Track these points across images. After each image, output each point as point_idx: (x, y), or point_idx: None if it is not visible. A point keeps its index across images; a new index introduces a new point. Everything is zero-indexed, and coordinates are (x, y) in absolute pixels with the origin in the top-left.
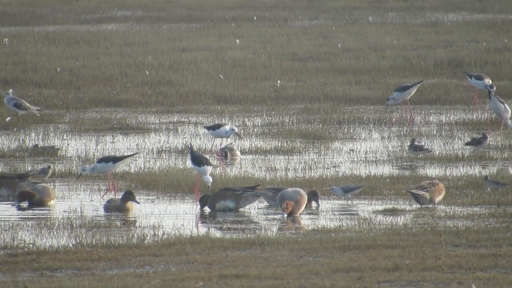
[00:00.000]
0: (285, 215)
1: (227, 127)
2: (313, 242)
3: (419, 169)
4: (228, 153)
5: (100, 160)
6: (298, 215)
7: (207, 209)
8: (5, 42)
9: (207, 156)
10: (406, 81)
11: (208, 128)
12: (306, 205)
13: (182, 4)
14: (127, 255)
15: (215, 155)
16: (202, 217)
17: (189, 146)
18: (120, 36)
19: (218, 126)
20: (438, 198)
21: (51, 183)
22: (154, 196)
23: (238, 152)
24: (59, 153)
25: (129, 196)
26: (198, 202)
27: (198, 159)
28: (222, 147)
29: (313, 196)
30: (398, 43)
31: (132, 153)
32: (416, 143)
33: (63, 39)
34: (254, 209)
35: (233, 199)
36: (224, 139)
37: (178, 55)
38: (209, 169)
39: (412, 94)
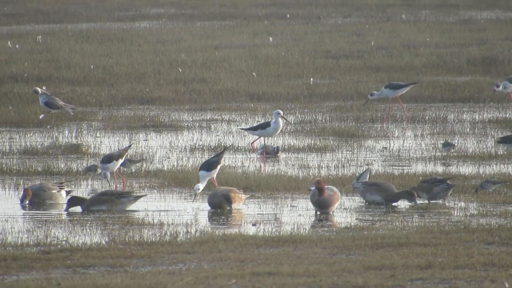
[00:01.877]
0: (313, 188)
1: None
2: (346, 239)
3: (452, 167)
4: (279, 150)
5: (107, 160)
6: (331, 213)
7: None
8: (39, 39)
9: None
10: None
11: (255, 128)
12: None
13: (215, 2)
14: (159, 252)
15: (260, 154)
16: (234, 215)
17: (222, 151)
18: (153, 34)
19: (265, 126)
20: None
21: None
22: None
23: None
24: (83, 150)
25: (74, 201)
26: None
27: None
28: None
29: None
30: (431, 41)
31: (128, 145)
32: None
33: (96, 37)
34: (287, 207)
35: (109, 204)
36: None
37: (211, 53)
38: (203, 174)
39: (402, 93)
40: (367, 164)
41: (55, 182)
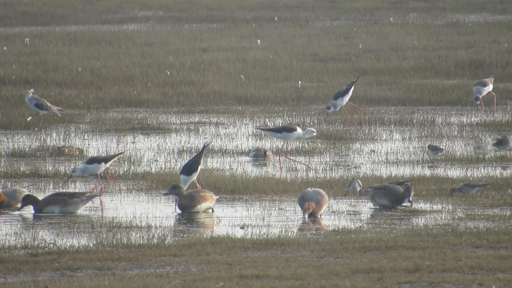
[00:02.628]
0: (306, 216)
1: (299, 130)
2: (334, 243)
3: (440, 170)
4: (269, 153)
5: (91, 161)
6: (319, 216)
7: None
8: (27, 41)
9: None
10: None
11: (278, 131)
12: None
13: (203, 5)
14: (147, 255)
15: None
16: (222, 217)
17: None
18: (141, 36)
19: (290, 129)
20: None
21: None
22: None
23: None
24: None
25: (28, 200)
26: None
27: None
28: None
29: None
30: (419, 44)
31: (119, 152)
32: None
33: (84, 39)
34: (275, 210)
35: (61, 204)
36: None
37: (199, 55)
38: (183, 178)
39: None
40: (352, 178)
41: (26, 186)
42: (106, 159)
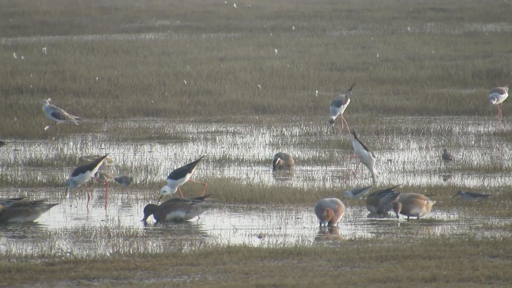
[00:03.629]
0: (326, 223)
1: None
2: (350, 252)
3: (457, 179)
4: (279, 160)
5: (76, 172)
6: (336, 225)
7: (151, 220)
8: (44, 51)
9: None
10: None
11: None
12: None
13: (221, 14)
14: (164, 264)
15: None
16: (240, 227)
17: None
18: (158, 46)
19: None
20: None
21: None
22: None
23: (293, 160)
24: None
25: None
26: (143, 212)
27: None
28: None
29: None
30: (437, 53)
31: (103, 155)
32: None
33: (102, 48)
34: (292, 219)
35: (183, 209)
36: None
37: (216, 65)
38: (169, 182)
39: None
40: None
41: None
42: (90, 166)
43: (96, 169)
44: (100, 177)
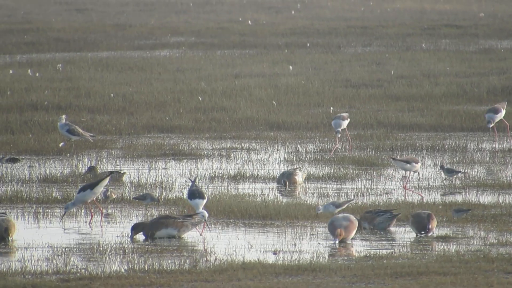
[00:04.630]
0: (337, 241)
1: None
2: (365, 268)
3: (471, 196)
4: (286, 182)
5: (78, 191)
6: (350, 241)
7: (140, 237)
8: (59, 68)
9: (203, 190)
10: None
11: (408, 162)
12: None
13: (235, 31)
14: (179, 280)
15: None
16: (255, 243)
17: (192, 180)
18: (173, 62)
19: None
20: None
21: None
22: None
23: (297, 178)
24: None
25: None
26: (130, 230)
27: (191, 193)
28: (281, 173)
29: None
30: (452, 70)
31: (107, 175)
32: (446, 166)
33: (116, 65)
34: (307, 235)
35: (175, 226)
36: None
37: (231, 81)
38: (201, 202)
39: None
40: (351, 198)
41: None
42: (91, 185)
43: (97, 188)
44: (105, 196)
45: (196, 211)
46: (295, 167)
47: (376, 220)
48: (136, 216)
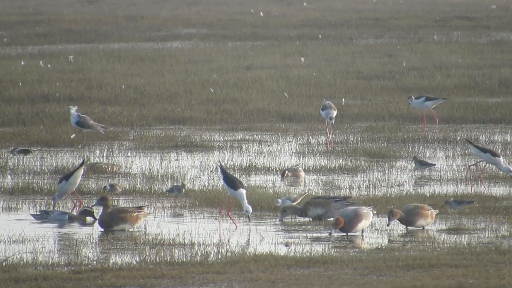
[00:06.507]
0: (334, 231)
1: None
2: (377, 260)
3: (483, 188)
4: (287, 173)
5: (58, 183)
6: (360, 234)
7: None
8: (70, 59)
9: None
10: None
11: (484, 151)
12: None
13: (247, 22)
14: (190, 272)
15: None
16: (266, 235)
17: (220, 166)
18: (184, 54)
19: (494, 154)
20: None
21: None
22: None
23: (302, 173)
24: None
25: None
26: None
27: (232, 181)
28: (286, 168)
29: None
30: (463, 62)
31: (79, 165)
32: (419, 158)
33: (128, 57)
34: (319, 225)
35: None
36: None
37: (242, 73)
38: (245, 192)
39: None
40: (304, 193)
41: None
42: (67, 177)
43: (73, 179)
44: (111, 189)
45: (241, 201)
46: (297, 164)
47: (332, 205)
48: (147, 207)
